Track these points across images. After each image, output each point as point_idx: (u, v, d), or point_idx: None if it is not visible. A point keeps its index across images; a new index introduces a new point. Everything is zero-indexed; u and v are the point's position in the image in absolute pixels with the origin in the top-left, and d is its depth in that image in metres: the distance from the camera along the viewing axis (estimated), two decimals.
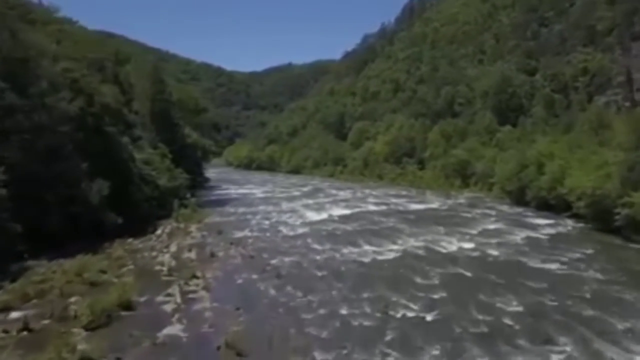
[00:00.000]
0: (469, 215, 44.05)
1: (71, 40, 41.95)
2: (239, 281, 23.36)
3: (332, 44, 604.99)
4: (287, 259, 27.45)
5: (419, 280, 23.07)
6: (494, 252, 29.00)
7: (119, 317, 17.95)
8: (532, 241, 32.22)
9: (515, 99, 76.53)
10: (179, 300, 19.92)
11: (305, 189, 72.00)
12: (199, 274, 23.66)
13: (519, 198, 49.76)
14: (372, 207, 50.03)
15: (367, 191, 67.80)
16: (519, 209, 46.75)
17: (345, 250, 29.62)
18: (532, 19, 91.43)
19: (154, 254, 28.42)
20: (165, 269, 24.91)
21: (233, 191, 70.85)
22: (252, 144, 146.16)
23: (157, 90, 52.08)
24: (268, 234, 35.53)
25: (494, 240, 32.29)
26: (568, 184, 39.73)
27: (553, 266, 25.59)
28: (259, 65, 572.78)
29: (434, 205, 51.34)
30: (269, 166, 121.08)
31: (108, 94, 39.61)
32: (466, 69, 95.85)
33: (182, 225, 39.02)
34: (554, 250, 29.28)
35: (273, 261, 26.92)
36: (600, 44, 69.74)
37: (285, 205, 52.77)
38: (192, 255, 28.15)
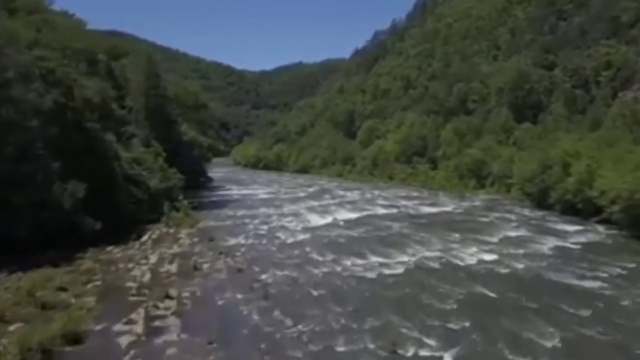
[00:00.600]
0: (486, 219, 40.17)
1: (52, 28, 38.47)
2: (220, 302, 19.77)
3: (343, 42, 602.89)
4: (280, 273, 23.84)
5: (433, 303, 19.34)
6: (520, 266, 25.16)
7: (59, 354, 14.43)
8: (562, 252, 28.30)
9: (532, 96, 72.35)
10: (140, 329, 16.38)
11: (311, 190, 68.40)
12: (173, 292, 20.12)
13: (540, 201, 45.78)
14: (380, 210, 46.30)
15: (376, 192, 64.02)
16: (541, 213, 42.77)
17: (348, 263, 25.95)
18: (550, 13, 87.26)
19: (130, 265, 24.93)
20: (135, 285, 21.35)
21: (235, 192, 67.46)
22: (260, 142, 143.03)
23: (152, 85, 48.74)
24: (264, 242, 31.94)
25: (518, 251, 28.42)
26: (598, 185, 35.74)
27: (592, 284, 21.71)
28: (269, 64, 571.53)
29: (448, 208, 47.48)
30: (277, 165, 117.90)
31: (91, 87, 36.28)
32: (480, 65, 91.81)
33: (171, 231, 35.61)
34: (589, 263, 25.37)
35: (263, 276, 23.32)
36: (624, 36, 65.42)
37: (287, 208, 49.23)
38: (173, 267, 24.66)
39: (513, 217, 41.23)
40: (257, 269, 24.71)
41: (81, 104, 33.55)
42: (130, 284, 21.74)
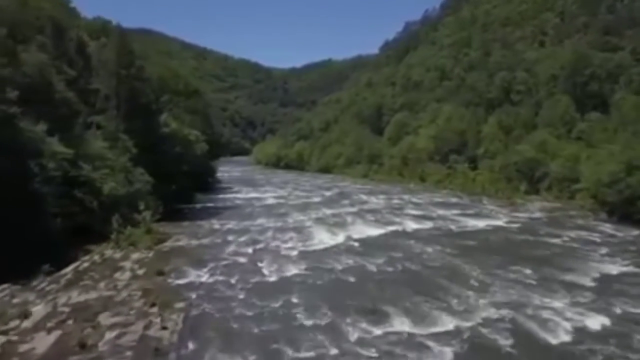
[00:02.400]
0: (559, 241, 28.89)
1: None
2: None
3: (374, 38, 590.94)
4: None
5: None
6: None
7: None
8: None
9: (594, 82, 60.37)
10: None
11: (328, 194, 57.95)
12: None
13: (625, 213, 34.33)
14: (410, 224, 35.46)
15: (406, 197, 53.11)
16: (634, 231, 31.26)
17: (353, 335, 15.33)
18: None
19: None
20: None
21: (241, 195, 57.74)
22: (281, 140, 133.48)
23: (124, 64, 38.98)
24: (234, 280, 21.38)
25: (638, 308, 17.32)
26: None
27: None
28: (299, 62, 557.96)
29: (500, 222, 36.24)
30: (298, 165, 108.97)
31: (28, 62, 26.82)
32: (524, 53, 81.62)
33: (118, 255, 25.74)
34: None
35: None
36: None
37: (293, 219, 38.97)
38: (45, 342, 14.32)
39: (596, 237, 29.81)
40: (191, 346, 14.33)
41: None
42: None
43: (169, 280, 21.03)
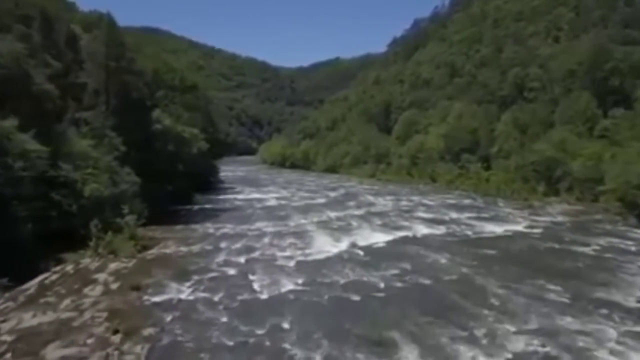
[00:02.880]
0: (589, 250, 25.82)
1: None
2: None
3: (382, 37, 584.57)
4: None
5: None
6: None
7: None
8: None
9: (614, 77, 56.99)
10: None
11: (333, 195, 55.04)
12: None
13: None
14: (422, 229, 32.53)
15: (416, 198, 50.11)
16: None
17: None
18: None
19: None
20: None
21: (242, 196, 54.95)
22: (287, 139, 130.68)
23: (113, 56, 36.19)
24: (217, 297, 18.46)
25: None
26: None
27: None
28: (306, 60, 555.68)
29: (519, 227, 33.14)
30: (303, 164, 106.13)
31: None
32: (538, 48, 78.62)
33: (96, 264, 23.05)
34: None
35: None
36: None
37: (294, 222, 36.14)
38: None
39: (631, 245, 26.67)
40: None
41: None
42: None
43: (144, 297, 18.22)
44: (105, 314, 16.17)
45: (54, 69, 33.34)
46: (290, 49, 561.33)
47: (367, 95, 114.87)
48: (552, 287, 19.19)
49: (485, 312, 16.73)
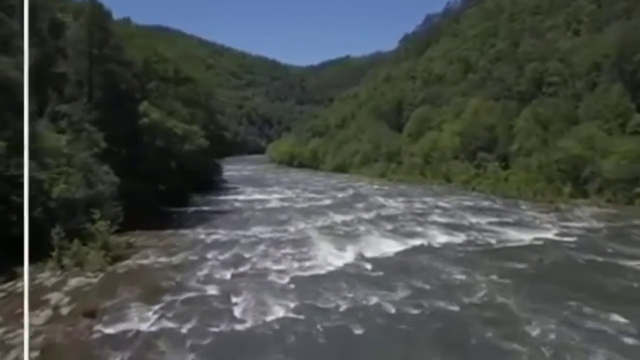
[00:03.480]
0: (639, 265, 21.81)
1: None
2: None
3: (393, 35, 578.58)
4: None
5: None
6: None
7: None
8: None
9: None
10: None
11: (340, 196, 51.35)
12: None
13: None
14: (437, 236, 28.69)
15: (430, 200, 46.24)
16: None
17: None
18: None
19: None
20: None
21: (243, 197, 51.50)
22: (296, 138, 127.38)
23: (96, 42, 32.62)
24: (190, 326, 14.76)
25: None
26: None
27: None
28: (316, 59, 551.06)
29: (550, 235, 29.11)
30: (312, 163, 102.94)
31: None
32: (557, 42, 74.96)
33: (54, 280, 19.52)
34: None
35: None
36: None
37: (295, 227, 32.50)
38: None
39: None
40: None
41: None
42: None
43: (95, 328, 14.58)
44: (35, 354, 12.56)
45: (32, 57, 30.08)
46: (300, 48, 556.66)
47: (377, 92, 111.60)
48: (605, 315, 15.33)
49: (520, 348, 12.96)
